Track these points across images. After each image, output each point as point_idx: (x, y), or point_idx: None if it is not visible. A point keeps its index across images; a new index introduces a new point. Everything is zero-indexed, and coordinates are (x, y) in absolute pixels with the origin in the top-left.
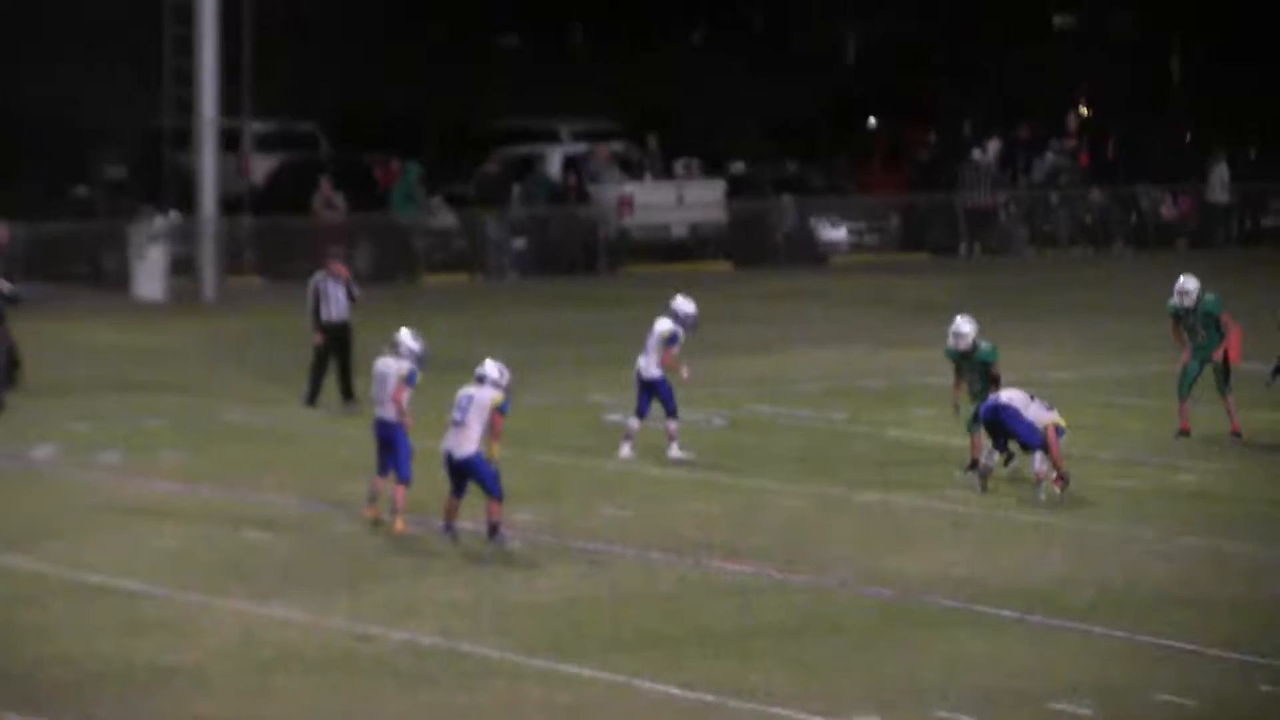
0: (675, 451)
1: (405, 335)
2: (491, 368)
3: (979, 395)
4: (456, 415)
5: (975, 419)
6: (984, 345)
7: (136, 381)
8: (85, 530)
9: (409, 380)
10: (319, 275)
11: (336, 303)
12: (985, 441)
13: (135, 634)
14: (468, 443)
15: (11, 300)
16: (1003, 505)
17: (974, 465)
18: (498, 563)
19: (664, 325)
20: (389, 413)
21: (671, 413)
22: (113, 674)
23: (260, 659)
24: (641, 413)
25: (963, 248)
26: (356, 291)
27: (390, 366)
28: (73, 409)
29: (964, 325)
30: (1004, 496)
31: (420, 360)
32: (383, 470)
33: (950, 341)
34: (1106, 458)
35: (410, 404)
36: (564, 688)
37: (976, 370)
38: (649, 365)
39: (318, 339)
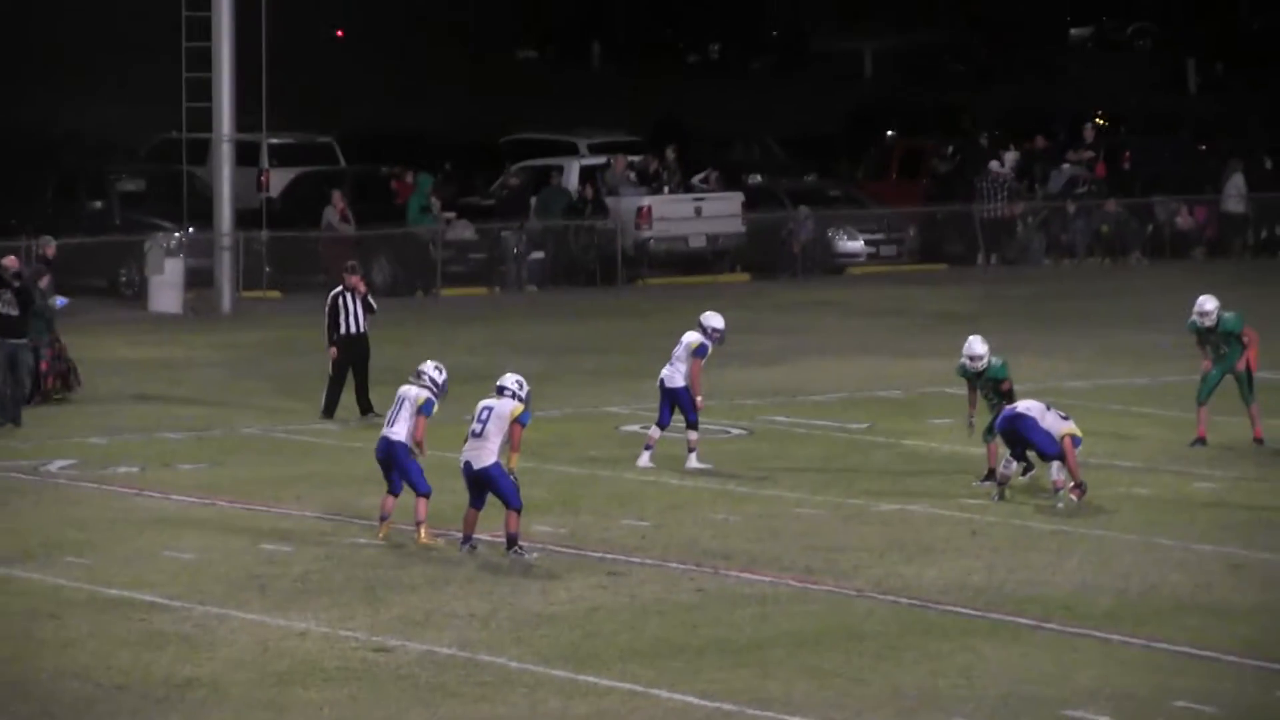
0: (694, 462)
1: (429, 366)
2: (511, 379)
3: (994, 406)
4: (475, 426)
5: (991, 429)
6: (994, 362)
7: (153, 394)
8: (103, 543)
9: (423, 409)
10: (338, 289)
11: (355, 316)
12: (1002, 450)
13: (153, 646)
14: (487, 454)
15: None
16: (1020, 514)
17: (990, 475)
18: (516, 574)
19: (692, 337)
20: (394, 433)
21: (692, 424)
22: (130, 686)
23: (278, 671)
24: (662, 422)
25: (980, 258)
26: (374, 304)
27: (410, 393)
28: (90, 422)
29: (978, 347)
30: (1021, 505)
31: (441, 392)
32: (393, 489)
33: (965, 363)
34: (1124, 466)
35: (422, 432)
36: (582, 698)
37: (989, 385)
38: (673, 375)
39: (332, 354)
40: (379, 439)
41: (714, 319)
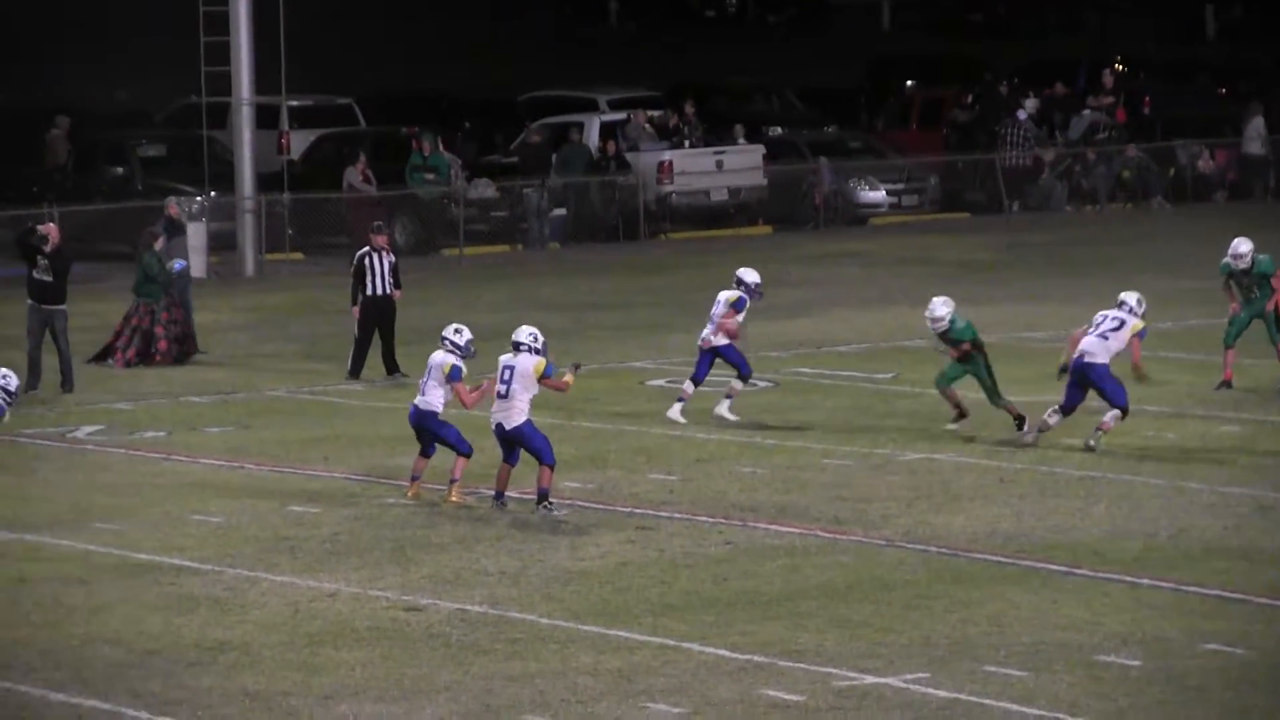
0: (724, 409)
1: (449, 330)
2: (525, 333)
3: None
4: (500, 388)
5: (944, 375)
6: (959, 323)
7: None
8: (131, 508)
9: (451, 376)
10: (364, 249)
11: (381, 277)
12: (957, 394)
13: (183, 610)
14: (517, 414)
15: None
16: (1047, 460)
17: (961, 416)
18: (545, 531)
19: (730, 293)
20: (424, 402)
21: (743, 376)
22: (162, 651)
23: (309, 632)
24: (698, 378)
25: (1005, 205)
26: (399, 288)
27: (436, 359)
28: (116, 388)
29: (939, 309)
30: (1049, 450)
31: (464, 353)
32: (425, 451)
33: (929, 325)
34: (1151, 410)
35: (465, 393)
36: (614, 653)
37: (951, 345)
38: (716, 333)
39: (355, 314)
40: (411, 406)
41: (750, 274)
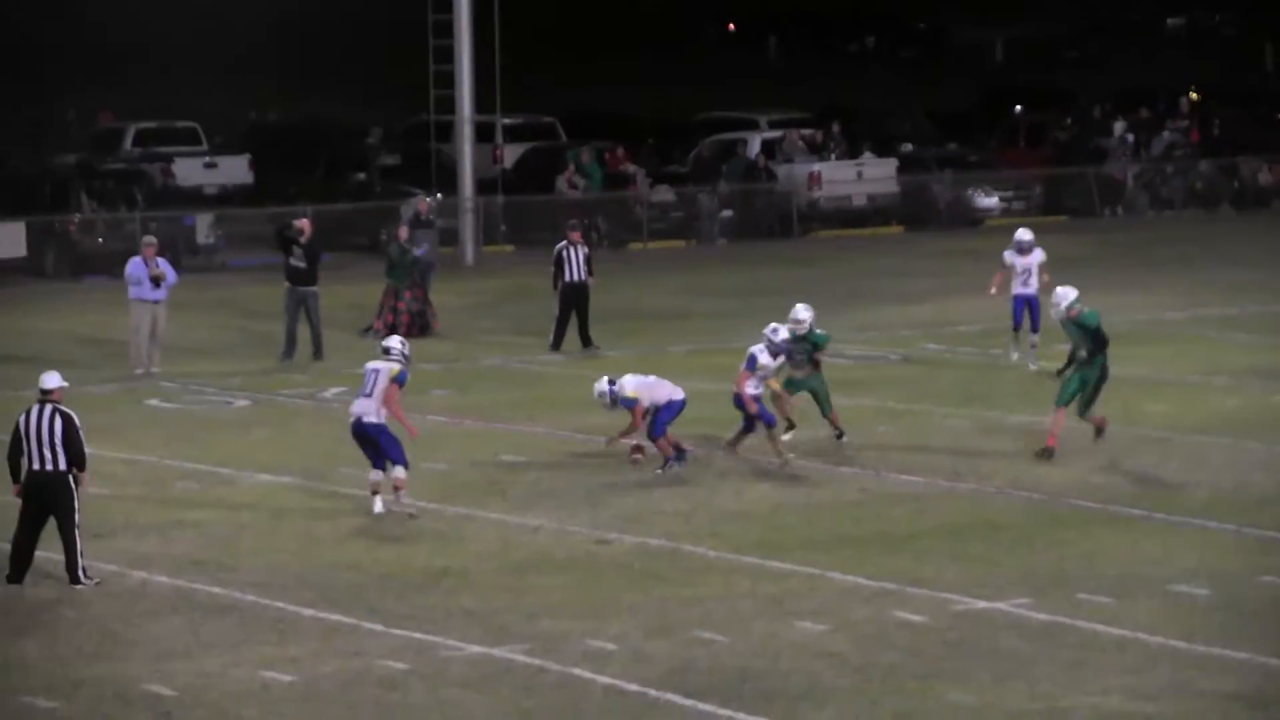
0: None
1: (768, 328)
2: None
3: (800, 365)
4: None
5: (793, 381)
6: (819, 331)
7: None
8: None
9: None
10: (562, 243)
11: (577, 266)
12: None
13: (411, 542)
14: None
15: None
16: (1131, 423)
17: (787, 427)
18: (713, 477)
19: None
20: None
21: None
22: (394, 575)
23: (516, 561)
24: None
25: (1105, 210)
26: (594, 276)
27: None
28: (360, 356)
29: (803, 313)
30: (1132, 415)
31: (778, 349)
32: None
33: (790, 327)
34: (1217, 383)
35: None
36: (769, 580)
37: (807, 348)
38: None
39: (558, 298)
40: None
41: (1023, 233)
